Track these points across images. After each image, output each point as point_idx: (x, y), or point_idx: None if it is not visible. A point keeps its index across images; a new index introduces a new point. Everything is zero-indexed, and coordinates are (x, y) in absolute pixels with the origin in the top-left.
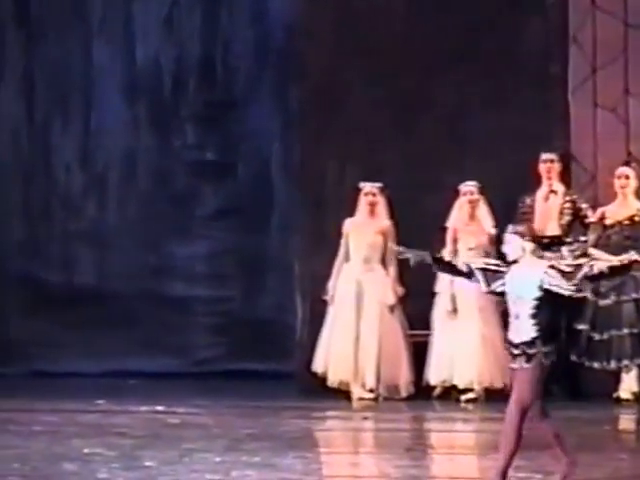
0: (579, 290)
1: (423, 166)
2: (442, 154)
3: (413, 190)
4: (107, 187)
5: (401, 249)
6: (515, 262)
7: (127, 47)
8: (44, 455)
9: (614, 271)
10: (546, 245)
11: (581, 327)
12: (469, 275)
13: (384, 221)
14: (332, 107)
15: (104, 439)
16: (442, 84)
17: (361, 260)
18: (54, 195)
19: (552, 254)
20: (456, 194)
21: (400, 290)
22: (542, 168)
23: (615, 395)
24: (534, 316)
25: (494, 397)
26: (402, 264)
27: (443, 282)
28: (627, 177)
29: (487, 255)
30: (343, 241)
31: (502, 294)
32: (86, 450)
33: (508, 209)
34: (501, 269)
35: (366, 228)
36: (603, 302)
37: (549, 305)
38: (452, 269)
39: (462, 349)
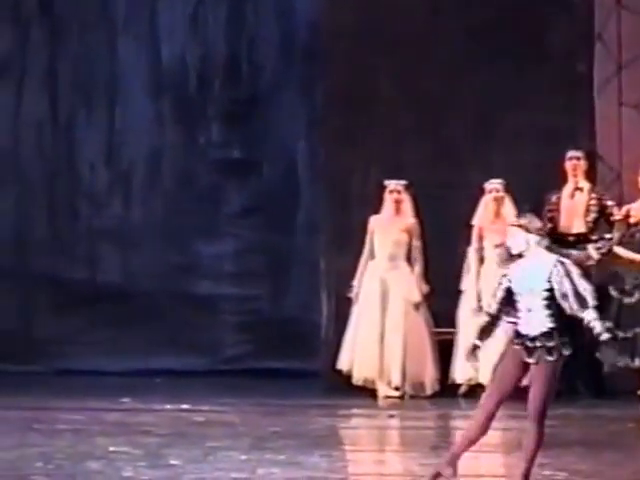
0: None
1: (448, 164)
2: (467, 152)
3: (438, 188)
4: (132, 185)
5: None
6: (520, 256)
7: (152, 45)
8: (68, 454)
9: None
10: (572, 243)
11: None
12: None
13: (409, 219)
14: (357, 105)
15: (129, 437)
16: (467, 82)
17: (386, 258)
18: (79, 193)
19: (578, 251)
20: (482, 192)
21: (425, 288)
22: (568, 166)
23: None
24: (548, 307)
25: (520, 395)
26: (427, 262)
27: (469, 280)
28: None
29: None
30: (368, 239)
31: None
32: (111, 448)
33: (534, 207)
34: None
35: (391, 226)
36: (627, 300)
37: None
38: (491, 328)
39: (488, 347)
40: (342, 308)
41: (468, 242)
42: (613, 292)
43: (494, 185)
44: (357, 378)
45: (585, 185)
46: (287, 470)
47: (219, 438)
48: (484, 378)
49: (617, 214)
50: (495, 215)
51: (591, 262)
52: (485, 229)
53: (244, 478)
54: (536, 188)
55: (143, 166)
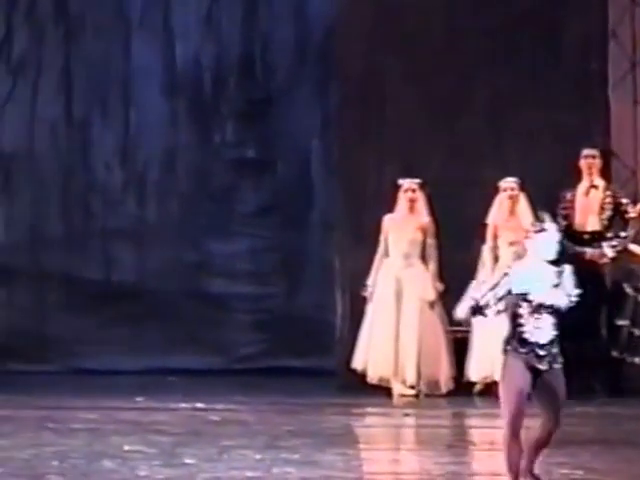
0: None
1: (463, 162)
2: (482, 150)
3: (453, 186)
4: (147, 184)
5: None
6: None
7: (167, 45)
8: (83, 453)
9: None
10: (587, 241)
11: (622, 323)
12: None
13: (424, 217)
14: (371, 104)
15: (144, 436)
16: (482, 81)
17: (401, 256)
18: (94, 192)
19: (592, 249)
20: (496, 190)
21: (440, 286)
22: (583, 164)
23: None
24: (553, 314)
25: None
26: (442, 260)
27: (483, 278)
28: None
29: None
30: (382, 237)
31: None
32: (126, 447)
33: (548, 205)
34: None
35: (406, 224)
36: None
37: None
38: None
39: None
40: (356, 306)
41: (483, 240)
42: (628, 289)
43: (509, 183)
44: (372, 377)
45: (600, 183)
46: (302, 469)
47: (234, 437)
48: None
49: (632, 212)
50: (510, 213)
51: (606, 260)
52: (500, 227)
53: (259, 477)
54: (551, 186)
55: (158, 165)
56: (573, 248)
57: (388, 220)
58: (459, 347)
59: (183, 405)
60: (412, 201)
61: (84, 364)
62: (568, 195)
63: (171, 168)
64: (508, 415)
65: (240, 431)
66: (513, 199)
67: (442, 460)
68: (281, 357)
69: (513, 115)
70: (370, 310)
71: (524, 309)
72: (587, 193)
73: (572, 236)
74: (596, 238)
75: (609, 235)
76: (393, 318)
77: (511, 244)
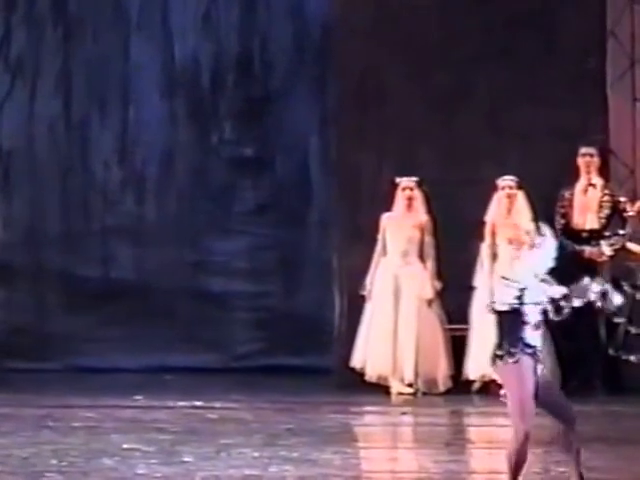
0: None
1: (461, 160)
2: (480, 148)
3: (451, 184)
4: (145, 183)
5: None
6: None
7: (165, 44)
8: (82, 451)
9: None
10: (585, 239)
11: (619, 321)
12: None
13: (422, 215)
14: (369, 102)
15: (143, 434)
16: (480, 79)
17: (399, 255)
18: (93, 191)
19: (591, 248)
20: (494, 188)
21: (438, 284)
22: (581, 162)
23: None
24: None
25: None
26: (440, 258)
27: (482, 276)
28: None
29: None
30: (380, 236)
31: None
32: (125, 445)
33: (547, 203)
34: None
35: (404, 223)
36: None
37: None
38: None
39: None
40: (355, 305)
41: (481, 238)
42: (626, 287)
43: (507, 181)
44: (370, 375)
45: (598, 181)
46: (300, 467)
47: (232, 435)
48: None
49: (630, 210)
50: (508, 211)
51: (604, 258)
52: (498, 225)
53: (257, 475)
54: (549, 184)
55: (156, 164)
56: (572, 246)
57: (386, 218)
58: (457, 345)
59: (181, 403)
60: (410, 199)
61: (83, 362)
62: (566, 194)
63: (170, 167)
64: (524, 416)
65: (238, 429)
66: (511, 197)
67: (440, 458)
68: (279, 355)
69: (511, 113)
70: (368, 308)
71: (532, 317)
72: (585, 191)
73: (570, 234)
74: (594, 236)
75: (607, 233)
76: (391, 316)
77: (509, 242)
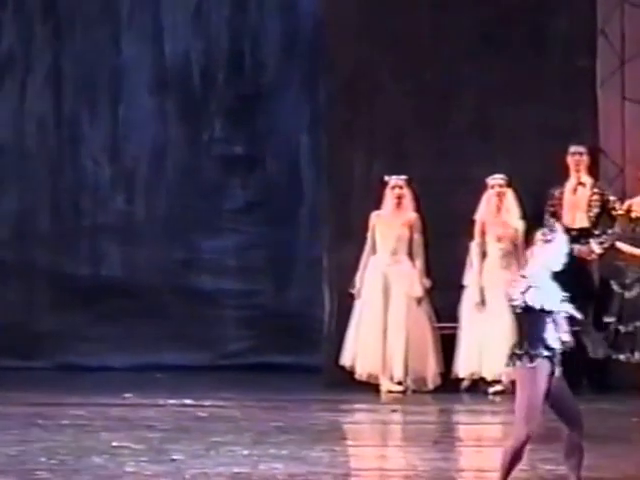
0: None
1: (451, 159)
2: (470, 147)
3: (441, 183)
4: (135, 181)
5: None
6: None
7: (156, 40)
8: (72, 449)
9: None
10: (575, 237)
11: (608, 320)
12: None
13: (411, 214)
14: (360, 100)
15: (132, 433)
16: (470, 78)
17: (388, 253)
18: (82, 189)
19: (580, 246)
20: (484, 187)
21: (427, 282)
22: (571, 161)
23: None
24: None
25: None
26: (429, 256)
27: (471, 275)
28: None
29: (515, 248)
30: (370, 234)
31: None
32: (114, 444)
33: (536, 201)
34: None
35: (393, 221)
36: (629, 294)
37: None
38: None
39: (491, 341)
40: (344, 303)
41: (470, 237)
42: (615, 286)
43: (496, 180)
44: (360, 373)
45: (588, 180)
46: (289, 465)
47: (221, 433)
48: (487, 372)
49: (619, 209)
50: (497, 210)
51: (593, 256)
52: (487, 224)
53: (246, 473)
54: (538, 183)
55: (146, 162)
56: None
57: (375, 217)
58: (447, 344)
59: (171, 401)
60: (399, 198)
61: (73, 360)
62: (556, 192)
63: (160, 164)
64: (530, 420)
65: (228, 427)
66: (500, 196)
67: (429, 456)
68: (269, 353)
69: (501, 112)
70: (358, 307)
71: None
72: (575, 190)
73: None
74: (584, 235)
75: (597, 232)
76: (380, 315)
77: (499, 240)
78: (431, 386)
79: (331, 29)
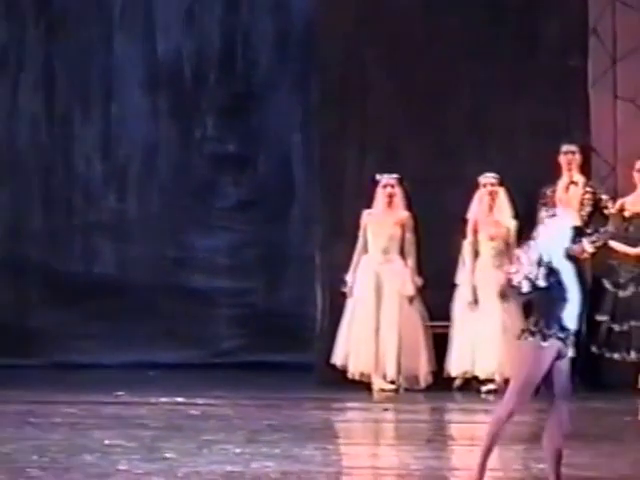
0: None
1: (443, 158)
2: (462, 146)
3: (433, 182)
4: (128, 179)
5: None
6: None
7: (148, 39)
8: (64, 447)
9: None
10: None
11: (601, 318)
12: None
13: (402, 212)
14: (352, 99)
15: (124, 431)
16: (462, 76)
17: (380, 252)
18: (75, 187)
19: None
20: (476, 186)
21: (419, 281)
22: (563, 160)
23: (638, 387)
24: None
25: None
26: (421, 255)
27: (464, 273)
28: None
29: (507, 246)
30: (361, 233)
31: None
32: (106, 442)
33: (528, 200)
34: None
35: (385, 219)
36: (623, 293)
37: None
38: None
39: (483, 340)
40: (337, 301)
41: (462, 235)
42: (608, 285)
43: (488, 179)
44: (353, 372)
45: (580, 179)
46: (282, 463)
47: (214, 431)
48: (479, 371)
49: (611, 208)
50: (490, 209)
51: (585, 255)
52: (480, 222)
53: (239, 471)
54: (531, 182)
55: (138, 160)
56: None
57: (367, 215)
58: (439, 342)
59: (163, 399)
60: (390, 196)
61: (65, 358)
62: (548, 191)
63: (152, 163)
64: (519, 399)
65: (220, 426)
66: (493, 195)
67: (421, 455)
68: (261, 351)
69: (493, 111)
70: (350, 306)
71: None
72: (567, 189)
73: None
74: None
75: (589, 231)
76: (373, 313)
77: (491, 239)
78: (423, 385)
79: (323, 28)
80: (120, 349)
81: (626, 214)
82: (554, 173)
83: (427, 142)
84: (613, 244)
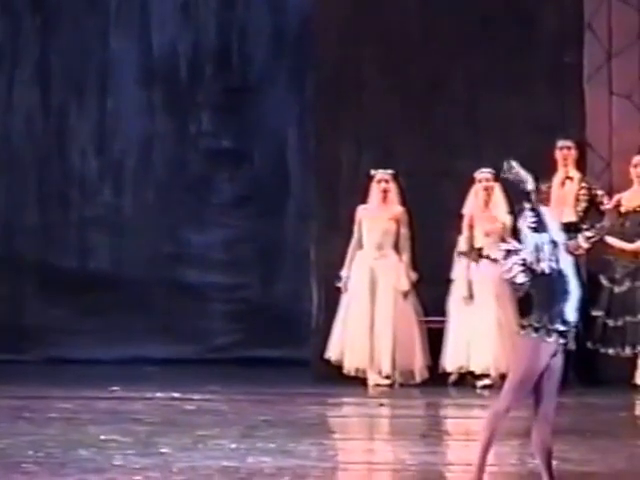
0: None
1: (439, 153)
2: (458, 141)
3: (429, 177)
4: (123, 173)
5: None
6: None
7: (144, 34)
8: (59, 442)
9: None
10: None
11: (596, 314)
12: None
13: (397, 207)
14: (347, 94)
15: (120, 426)
16: (457, 71)
17: (374, 247)
18: (70, 181)
19: (568, 240)
20: (472, 181)
21: (413, 276)
22: (558, 155)
23: (633, 382)
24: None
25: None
26: (416, 250)
27: (459, 269)
28: None
29: (503, 242)
30: (356, 228)
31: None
32: (102, 437)
33: (523, 196)
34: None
35: (379, 215)
36: (618, 289)
37: None
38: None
39: (478, 335)
40: (332, 297)
41: (459, 231)
42: (604, 281)
43: (484, 174)
44: (348, 368)
45: (575, 174)
46: (277, 458)
47: (209, 426)
48: (475, 366)
49: (607, 203)
50: (485, 204)
51: (581, 251)
52: (475, 218)
53: (234, 466)
54: None
55: (134, 155)
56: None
57: (361, 211)
58: (434, 337)
59: (159, 394)
60: (385, 192)
61: (60, 353)
62: (544, 187)
63: (147, 157)
64: (515, 395)
65: (215, 420)
66: (488, 190)
67: (416, 450)
68: (256, 347)
69: (489, 106)
70: (344, 301)
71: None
72: (562, 184)
73: None
74: (571, 229)
75: (584, 226)
76: (368, 309)
77: (487, 234)
78: (419, 380)
79: (318, 24)
80: (115, 344)
81: (622, 210)
82: (549, 169)
83: (422, 137)
84: (609, 240)
